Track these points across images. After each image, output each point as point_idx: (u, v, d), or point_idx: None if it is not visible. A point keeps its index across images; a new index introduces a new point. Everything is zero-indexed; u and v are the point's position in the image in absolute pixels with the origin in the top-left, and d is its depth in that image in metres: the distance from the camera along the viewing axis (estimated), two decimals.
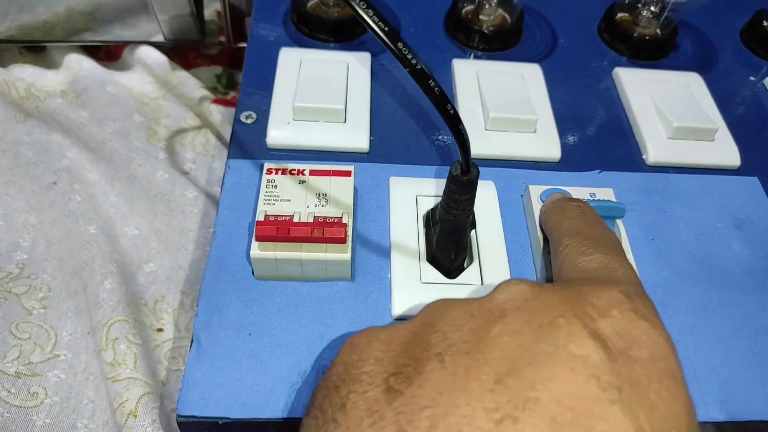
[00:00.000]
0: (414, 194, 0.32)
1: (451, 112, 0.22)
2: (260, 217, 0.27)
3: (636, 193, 0.34)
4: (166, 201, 0.39)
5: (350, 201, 0.29)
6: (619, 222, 0.31)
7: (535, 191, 0.32)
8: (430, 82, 0.21)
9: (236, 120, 0.35)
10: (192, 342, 0.26)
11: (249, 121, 0.35)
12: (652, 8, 0.42)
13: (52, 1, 0.43)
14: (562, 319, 0.19)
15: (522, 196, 0.33)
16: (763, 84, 0.42)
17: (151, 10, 0.44)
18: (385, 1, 0.44)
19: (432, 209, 0.31)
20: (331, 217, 0.27)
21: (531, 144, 0.35)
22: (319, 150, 0.34)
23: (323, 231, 0.27)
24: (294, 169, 0.30)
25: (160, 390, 0.31)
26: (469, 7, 0.42)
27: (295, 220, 0.27)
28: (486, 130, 0.36)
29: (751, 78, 0.43)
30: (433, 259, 0.29)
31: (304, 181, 0.30)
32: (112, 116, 0.43)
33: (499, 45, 0.42)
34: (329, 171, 0.30)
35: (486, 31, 0.41)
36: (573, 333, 0.18)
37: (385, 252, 0.30)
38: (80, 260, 0.35)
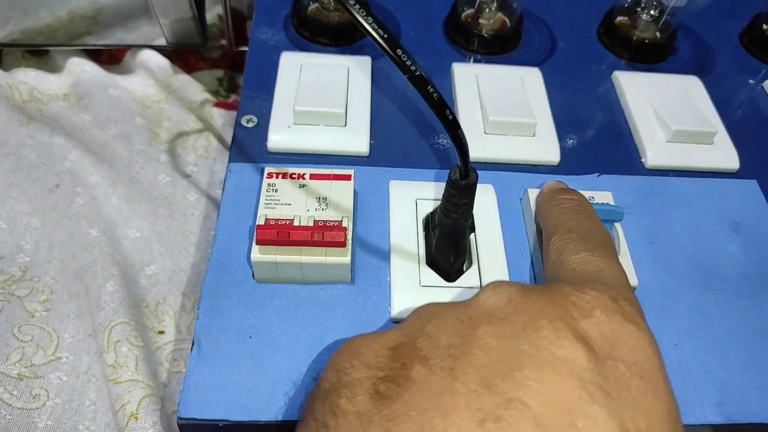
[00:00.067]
0: (414, 198, 0.32)
1: (450, 117, 0.22)
2: (261, 221, 0.27)
3: (634, 197, 0.35)
4: (168, 204, 0.39)
5: (350, 205, 0.29)
6: (617, 225, 0.32)
7: (534, 195, 0.32)
8: (429, 88, 0.22)
9: (237, 124, 0.36)
10: (193, 344, 0.27)
11: (250, 124, 0.36)
12: (651, 12, 0.42)
13: (54, 5, 0.43)
14: (546, 321, 0.19)
15: (521, 199, 0.34)
16: (762, 87, 0.43)
17: (153, 14, 0.44)
18: (386, 5, 0.44)
19: (431, 213, 0.31)
20: (331, 221, 0.28)
21: (530, 147, 0.36)
22: (320, 153, 0.35)
23: (323, 235, 0.27)
24: (294, 173, 0.30)
25: (162, 392, 0.31)
26: (469, 11, 0.42)
27: (296, 223, 0.27)
28: (485, 133, 0.36)
29: (750, 81, 0.43)
30: (432, 262, 0.30)
31: (304, 185, 0.30)
32: (114, 119, 0.44)
33: (498, 49, 0.42)
34: (329, 175, 0.30)
35: (485, 35, 0.41)
36: (557, 335, 0.18)
37: (384, 255, 0.30)
38: (82, 263, 0.35)
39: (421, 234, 0.31)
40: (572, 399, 0.17)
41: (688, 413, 0.27)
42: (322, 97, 0.35)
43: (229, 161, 0.34)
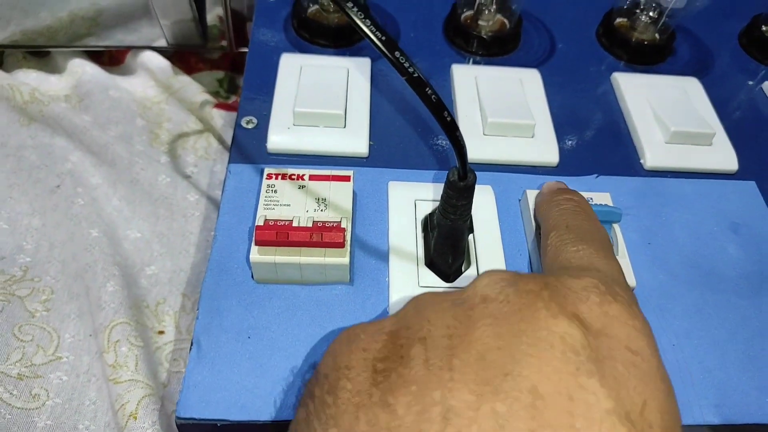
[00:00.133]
0: (413, 199, 0.32)
1: (448, 119, 0.22)
2: (260, 222, 0.28)
3: (633, 198, 0.35)
4: (168, 204, 0.40)
5: (349, 206, 0.29)
6: (615, 226, 0.32)
7: (533, 196, 0.32)
8: (427, 89, 0.22)
9: (237, 125, 0.36)
10: (192, 345, 0.27)
11: (250, 126, 0.36)
12: (650, 13, 0.42)
13: (55, 6, 0.43)
14: (542, 303, 0.19)
15: (520, 200, 0.34)
16: (761, 88, 0.43)
17: (153, 15, 0.44)
18: (385, 7, 0.45)
19: (430, 214, 0.32)
20: (330, 222, 0.28)
21: (529, 149, 0.36)
22: (319, 155, 0.35)
23: (322, 236, 0.27)
24: (294, 174, 0.30)
25: (161, 392, 0.32)
26: (468, 13, 0.42)
27: (295, 224, 0.28)
28: (484, 135, 0.36)
29: (749, 82, 0.43)
30: (431, 263, 0.30)
31: (303, 186, 0.30)
32: (114, 120, 0.44)
33: (497, 50, 0.42)
34: (328, 176, 0.31)
35: (485, 37, 0.41)
36: (552, 315, 0.19)
37: (383, 256, 0.30)
38: (83, 263, 0.35)
39: (420, 235, 0.31)
40: (569, 373, 0.17)
41: (687, 413, 0.27)
42: (322, 98, 0.35)
43: (229, 162, 0.34)
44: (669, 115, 0.37)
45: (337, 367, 0.20)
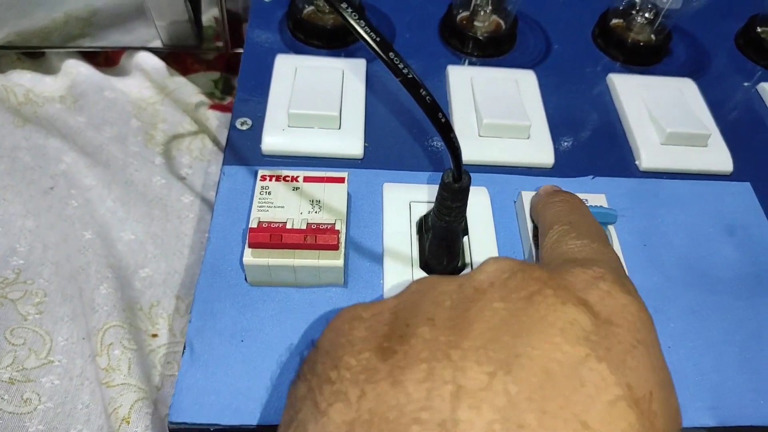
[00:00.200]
0: (407, 200, 0.32)
1: (443, 120, 0.22)
2: (254, 224, 0.27)
3: (628, 199, 0.35)
4: (163, 206, 0.39)
5: (343, 207, 0.29)
6: (611, 228, 0.32)
7: (528, 197, 0.32)
8: (421, 91, 0.22)
9: (231, 126, 0.36)
10: (185, 348, 0.26)
11: (244, 127, 0.36)
12: (646, 14, 0.42)
13: (50, 6, 0.43)
14: (550, 290, 0.19)
15: (515, 202, 0.34)
16: (756, 90, 0.43)
17: (148, 16, 0.44)
18: (381, 8, 0.44)
19: (425, 215, 0.31)
20: (324, 224, 0.28)
21: (524, 150, 0.36)
22: (314, 156, 0.35)
23: (316, 238, 0.27)
24: (288, 176, 0.30)
25: (155, 395, 0.31)
26: (464, 14, 0.42)
27: (288, 226, 0.27)
28: (480, 136, 0.36)
29: (745, 83, 0.43)
30: (425, 265, 0.30)
31: (297, 188, 0.30)
32: (109, 121, 0.44)
33: (493, 51, 0.42)
34: (323, 178, 0.30)
35: (480, 38, 0.41)
36: (561, 301, 0.19)
37: (378, 258, 0.30)
38: (76, 265, 0.35)
39: (415, 237, 0.31)
40: (579, 357, 0.17)
41: (683, 416, 0.27)
42: (317, 99, 0.35)
43: (223, 164, 0.34)
44: (664, 116, 0.37)
45: (339, 343, 0.19)
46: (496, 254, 0.31)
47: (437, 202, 0.26)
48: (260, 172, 0.30)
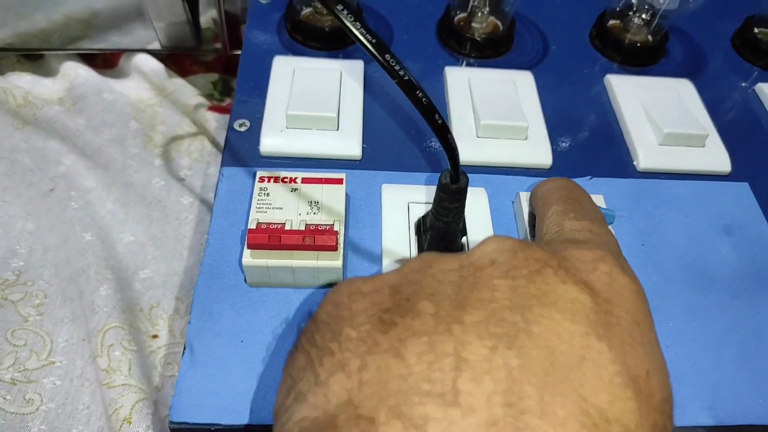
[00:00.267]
0: (406, 201, 0.32)
1: (439, 122, 0.22)
2: (252, 225, 0.28)
3: (626, 199, 0.35)
4: (162, 207, 0.40)
5: (342, 208, 0.29)
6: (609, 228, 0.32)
7: (526, 198, 0.32)
8: (417, 92, 0.22)
9: (230, 128, 0.36)
10: (185, 349, 0.27)
11: (242, 128, 0.36)
12: (643, 15, 0.42)
13: (49, 8, 0.43)
14: (550, 269, 0.19)
15: (513, 202, 0.34)
16: (753, 90, 0.43)
17: (147, 18, 0.44)
18: (378, 9, 0.45)
19: (423, 216, 0.31)
20: (323, 225, 0.28)
21: (522, 151, 0.36)
22: (312, 157, 0.35)
23: (314, 239, 0.27)
24: (286, 177, 0.30)
25: (155, 396, 0.32)
26: (462, 15, 0.42)
27: (287, 228, 0.27)
28: (478, 137, 0.36)
29: (742, 84, 0.43)
30: None
31: (296, 189, 0.30)
32: (108, 123, 0.44)
33: (491, 52, 0.42)
34: (321, 179, 0.30)
35: (478, 39, 0.41)
36: (562, 281, 0.19)
37: (376, 259, 0.30)
38: (76, 267, 0.35)
39: (413, 237, 0.31)
40: (580, 335, 0.17)
41: (681, 415, 0.27)
42: (315, 101, 0.35)
43: (222, 165, 0.34)
44: (662, 116, 0.37)
45: (339, 315, 0.19)
46: None
47: (435, 203, 0.27)
48: (259, 174, 0.31)
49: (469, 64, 0.42)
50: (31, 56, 0.47)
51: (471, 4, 0.41)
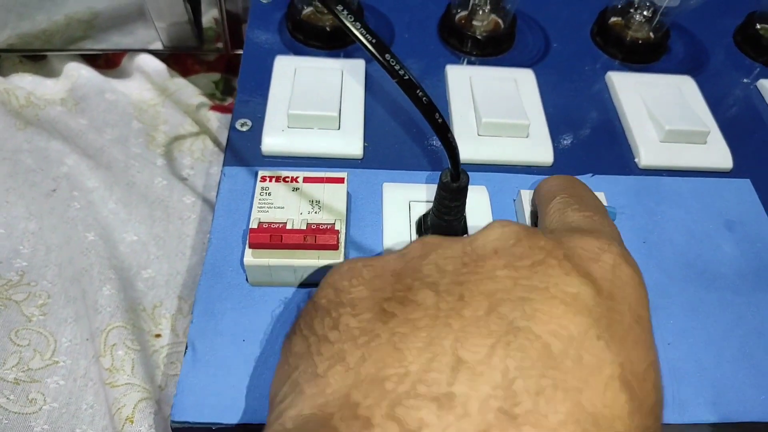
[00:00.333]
0: (407, 200, 0.32)
1: (440, 121, 0.22)
2: (254, 225, 0.28)
3: (628, 196, 0.35)
4: (164, 207, 0.40)
5: (343, 208, 0.30)
6: None
7: (527, 196, 0.32)
8: (417, 92, 0.22)
9: (231, 127, 0.36)
10: (187, 348, 0.27)
11: (244, 128, 0.36)
12: (645, 12, 0.42)
13: (51, 9, 0.43)
14: (554, 260, 0.19)
15: (514, 200, 0.34)
16: (755, 86, 0.43)
17: (148, 18, 0.45)
18: (379, 8, 0.45)
19: (424, 215, 0.32)
20: (324, 224, 0.28)
21: (524, 149, 0.36)
22: (314, 157, 0.35)
23: (315, 238, 0.27)
24: (287, 177, 0.30)
25: (158, 395, 0.32)
26: (463, 13, 0.42)
27: (288, 227, 0.28)
28: (479, 135, 0.36)
29: (744, 80, 0.43)
30: None
31: (297, 188, 0.30)
32: (111, 123, 0.44)
33: (492, 50, 0.42)
34: (322, 178, 0.31)
35: (479, 37, 0.41)
36: (565, 272, 0.18)
37: None
38: (79, 267, 0.36)
39: (415, 236, 0.31)
40: (580, 332, 0.17)
41: (683, 412, 0.27)
42: (316, 100, 0.35)
43: (224, 165, 0.34)
44: (663, 113, 0.37)
45: (339, 301, 0.19)
46: None
47: (436, 202, 0.27)
48: (260, 173, 0.31)
49: (470, 62, 0.42)
50: (34, 57, 0.48)
51: (472, 2, 0.41)
